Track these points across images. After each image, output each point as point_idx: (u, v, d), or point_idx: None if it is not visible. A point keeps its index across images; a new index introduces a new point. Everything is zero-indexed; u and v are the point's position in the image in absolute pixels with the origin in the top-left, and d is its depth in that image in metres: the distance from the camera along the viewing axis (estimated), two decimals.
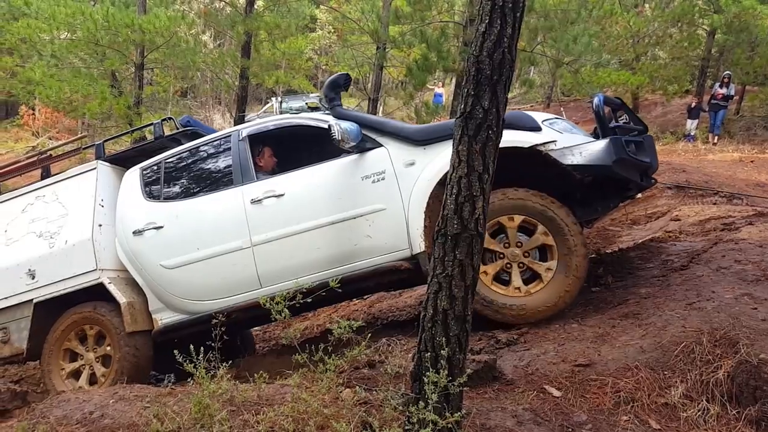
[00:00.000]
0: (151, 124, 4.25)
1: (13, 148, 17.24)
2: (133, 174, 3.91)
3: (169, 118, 4.41)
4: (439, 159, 3.18)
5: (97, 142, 4.20)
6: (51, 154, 4.49)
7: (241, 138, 3.64)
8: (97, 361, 3.70)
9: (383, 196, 3.26)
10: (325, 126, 3.38)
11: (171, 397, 2.53)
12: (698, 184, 6.65)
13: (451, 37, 11.51)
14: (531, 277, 3.18)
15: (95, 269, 3.70)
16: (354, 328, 2.29)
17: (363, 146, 3.34)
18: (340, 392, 2.34)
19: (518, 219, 3.13)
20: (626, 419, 2.18)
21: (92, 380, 3.70)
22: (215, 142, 3.77)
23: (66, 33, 11.23)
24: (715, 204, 6.02)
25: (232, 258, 3.44)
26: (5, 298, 3.92)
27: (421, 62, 10.95)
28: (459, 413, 1.92)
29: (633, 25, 14.20)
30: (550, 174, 3.19)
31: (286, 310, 2.44)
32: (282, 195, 3.41)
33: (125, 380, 3.42)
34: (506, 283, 3.16)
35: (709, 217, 4.80)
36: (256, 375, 2.40)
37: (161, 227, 3.60)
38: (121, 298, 3.60)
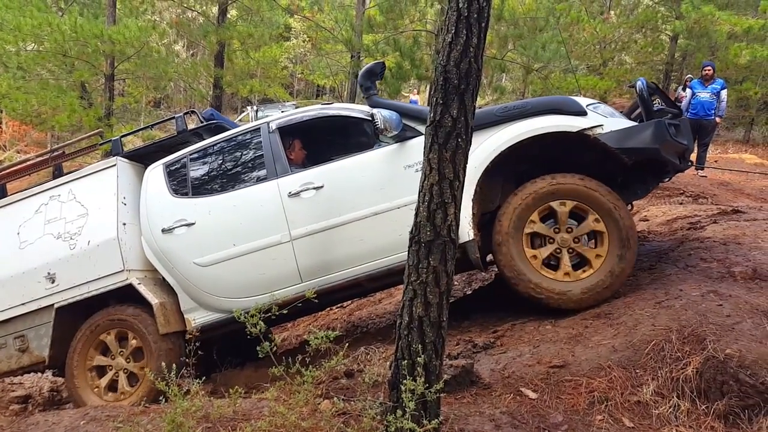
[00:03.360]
0: (173, 117, 4.05)
1: None
2: (156, 170, 3.76)
3: (192, 112, 4.20)
4: (485, 146, 3.15)
5: (114, 138, 4.00)
6: (64, 152, 4.22)
7: (271, 131, 3.56)
8: (125, 373, 3.52)
9: None
10: (363, 116, 3.35)
11: (144, 416, 2.46)
12: (666, 185, 6.85)
13: (424, 45, 11.69)
14: (580, 262, 3.18)
15: (122, 270, 3.54)
16: (331, 339, 2.28)
17: (403, 135, 3.31)
18: (319, 404, 2.32)
19: (570, 204, 3.11)
20: (601, 419, 2.22)
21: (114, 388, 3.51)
22: (243, 136, 3.66)
23: (33, 44, 10.95)
24: (681, 204, 6.22)
25: (271, 253, 3.36)
26: (22, 304, 3.68)
27: (395, 70, 11.09)
28: (437, 420, 1.92)
29: (599, 32, 14.67)
30: (592, 158, 3.20)
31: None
32: (321, 187, 3.34)
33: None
34: (556, 268, 3.16)
35: (676, 216, 4.94)
36: (231, 390, 2.36)
37: (192, 224, 3.49)
38: (153, 299, 3.46)
